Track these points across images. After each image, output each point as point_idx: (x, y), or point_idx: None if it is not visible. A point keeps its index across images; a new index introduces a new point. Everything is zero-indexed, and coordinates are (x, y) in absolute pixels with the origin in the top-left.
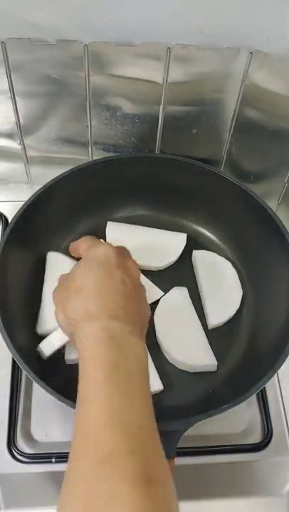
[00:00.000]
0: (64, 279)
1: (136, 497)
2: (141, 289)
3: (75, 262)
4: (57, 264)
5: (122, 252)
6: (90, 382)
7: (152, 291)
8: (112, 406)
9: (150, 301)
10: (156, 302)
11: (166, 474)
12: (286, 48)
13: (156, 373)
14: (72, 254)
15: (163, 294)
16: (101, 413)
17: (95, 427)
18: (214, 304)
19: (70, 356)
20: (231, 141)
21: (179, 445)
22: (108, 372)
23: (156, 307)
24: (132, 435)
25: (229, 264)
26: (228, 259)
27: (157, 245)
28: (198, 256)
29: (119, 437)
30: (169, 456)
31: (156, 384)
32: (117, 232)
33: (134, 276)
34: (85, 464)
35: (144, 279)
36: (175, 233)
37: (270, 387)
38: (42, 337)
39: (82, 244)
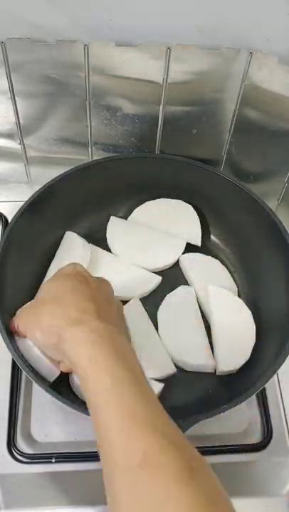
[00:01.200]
0: (28, 304)
1: (186, 495)
2: (114, 301)
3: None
4: (71, 245)
5: (94, 277)
6: (98, 390)
7: (150, 278)
8: (129, 408)
9: (149, 288)
10: (156, 291)
11: (198, 456)
12: (286, 48)
13: (168, 357)
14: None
15: (161, 278)
16: (120, 417)
17: (119, 433)
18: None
19: None
20: (231, 141)
21: None
22: (114, 374)
23: (160, 304)
24: (158, 431)
25: (218, 261)
26: (226, 259)
27: (156, 247)
28: (186, 258)
29: (146, 437)
30: None
31: (168, 367)
32: (118, 229)
33: (106, 289)
34: (122, 473)
35: (138, 270)
36: (175, 237)
37: (270, 387)
38: None
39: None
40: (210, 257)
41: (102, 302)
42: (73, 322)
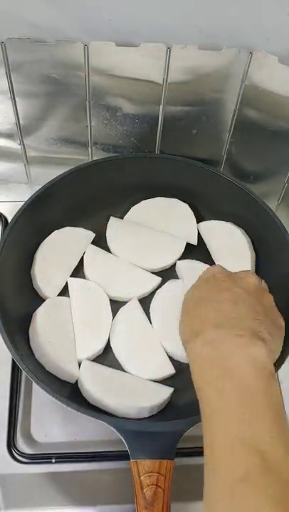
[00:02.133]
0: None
1: None
2: (261, 293)
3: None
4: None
5: (235, 272)
6: (214, 404)
7: (150, 279)
8: (242, 425)
9: (149, 288)
10: (154, 292)
11: None
12: (286, 48)
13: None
14: None
15: (160, 279)
16: (231, 433)
17: (227, 448)
18: None
19: (81, 356)
20: (231, 141)
21: (179, 445)
22: (217, 387)
23: (152, 300)
24: (266, 454)
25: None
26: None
27: (156, 247)
28: (183, 265)
29: (253, 457)
30: (169, 457)
31: (167, 368)
32: (118, 229)
33: (247, 281)
34: (222, 485)
35: (138, 270)
36: (175, 238)
37: None
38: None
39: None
40: (207, 265)
41: (229, 300)
42: (191, 336)
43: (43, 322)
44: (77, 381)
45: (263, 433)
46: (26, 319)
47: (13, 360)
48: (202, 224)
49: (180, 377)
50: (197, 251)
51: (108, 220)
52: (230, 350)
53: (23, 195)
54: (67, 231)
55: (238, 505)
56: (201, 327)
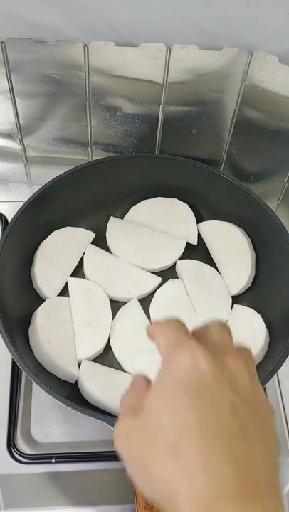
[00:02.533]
0: (131, 404)
1: None
2: (261, 402)
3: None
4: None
5: (217, 347)
6: None
7: (150, 279)
8: None
9: (150, 288)
10: (154, 292)
11: None
12: (286, 48)
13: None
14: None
15: (161, 279)
16: None
17: None
18: (205, 314)
19: (81, 356)
20: (231, 141)
21: None
22: None
23: (152, 300)
24: None
25: (214, 270)
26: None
27: (156, 247)
28: (183, 266)
29: None
30: None
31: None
32: (118, 229)
33: (244, 382)
34: None
35: (138, 271)
36: (175, 238)
37: (270, 387)
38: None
39: (160, 339)
40: (207, 264)
41: (245, 426)
42: (199, 504)
43: (43, 322)
44: (77, 381)
45: None
46: (26, 319)
47: (13, 360)
48: (202, 224)
49: None
50: (197, 251)
51: (108, 220)
52: None
53: (23, 195)
54: (67, 231)
55: None
56: (213, 495)
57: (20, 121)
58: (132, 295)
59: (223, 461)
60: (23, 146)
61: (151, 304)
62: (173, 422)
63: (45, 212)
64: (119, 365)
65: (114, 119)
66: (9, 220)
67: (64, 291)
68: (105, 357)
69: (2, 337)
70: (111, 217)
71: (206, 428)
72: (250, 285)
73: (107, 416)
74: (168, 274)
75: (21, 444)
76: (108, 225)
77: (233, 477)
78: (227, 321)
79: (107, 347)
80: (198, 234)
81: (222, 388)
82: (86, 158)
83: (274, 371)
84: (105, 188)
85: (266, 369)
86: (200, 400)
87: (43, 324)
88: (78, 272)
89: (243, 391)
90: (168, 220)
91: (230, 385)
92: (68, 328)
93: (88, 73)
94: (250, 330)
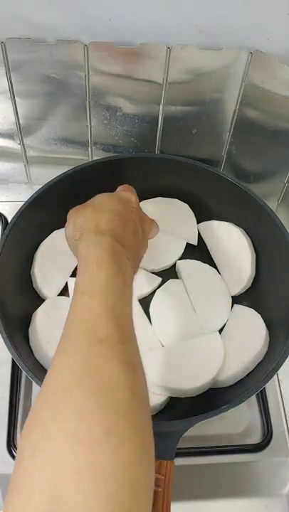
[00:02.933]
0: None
1: (126, 375)
2: (145, 238)
3: None
4: None
5: (144, 214)
6: (93, 281)
7: (150, 279)
8: (110, 302)
9: (150, 288)
10: (154, 292)
11: (143, 367)
12: (286, 48)
13: None
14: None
15: (161, 279)
16: (101, 306)
17: (95, 315)
18: (206, 314)
19: None
20: (231, 141)
21: (179, 446)
22: (109, 276)
23: (152, 300)
24: (124, 329)
25: (214, 270)
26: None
27: (156, 247)
28: (183, 266)
29: (114, 327)
30: (169, 457)
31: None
32: None
33: (145, 228)
34: (82, 341)
35: (139, 271)
36: (175, 238)
37: (270, 387)
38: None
39: (119, 188)
40: (207, 264)
41: (136, 233)
42: (98, 230)
43: (43, 322)
44: None
45: (126, 314)
46: (26, 319)
47: (13, 360)
48: (202, 224)
49: None
50: (197, 251)
51: None
52: (123, 262)
53: (23, 195)
54: None
55: (92, 359)
56: (106, 231)
57: (21, 121)
58: None
59: (117, 225)
60: (23, 146)
61: (151, 304)
62: (102, 201)
63: (45, 212)
64: None
65: (114, 119)
66: (9, 220)
67: (64, 291)
68: None
69: (2, 337)
70: None
71: (117, 212)
72: (250, 285)
73: None
74: (168, 274)
75: None
76: None
77: (120, 232)
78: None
79: None
80: (198, 234)
81: (134, 213)
82: (86, 158)
83: (274, 371)
84: (105, 188)
85: (266, 369)
86: (122, 205)
87: (43, 324)
88: None
89: (143, 226)
90: (168, 220)
91: (139, 218)
92: None
93: (88, 73)
94: (250, 330)
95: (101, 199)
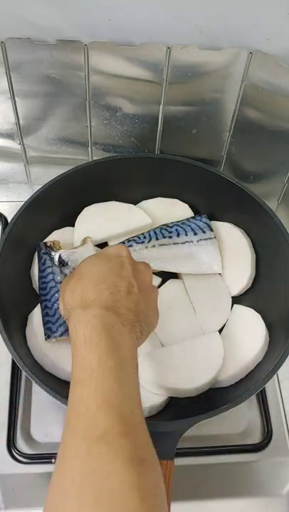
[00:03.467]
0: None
1: (131, 476)
2: (149, 293)
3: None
4: None
5: (137, 263)
6: (85, 367)
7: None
8: (106, 389)
9: (142, 224)
10: None
11: (155, 457)
12: (286, 48)
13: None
14: None
15: (161, 279)
16: (96, 396)
17: (89, 408)
18: (206, 314)
19: None
20: (231, 141)
21: (179, 445)
22: (101, 357)
23: None
24: (125, 418)
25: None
26: None
27: None
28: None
29: (113, 419)
30: (169, 457)
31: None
32: None
33: (143, 278)
34: (80, 442)
35: None
36: None
37: (270, 387)
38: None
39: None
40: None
41: (131, 290)
42: (84, 305)
43: (41, 322)
44: None
45: (127, 398)
46: (26, 319)
47: (13, 360)
48: None
49: None
50: None
51: None
52: (118, 333)
53: (23, 195)
54: (67, 231)
55: (91, 462)
56: (93, 302)
57: (21, 121)
58: None
59: (104, 289)
60: (23, 146)
61: None
62: (86, 267)
63: (45, 212)
64: None
65: (114, 119)
66: (9, 220)
67: None
68: None
69: (2, 337)
70: None
71: (103, 274)
72: (250, 285)
73: None
74: (168, 274)
75: (21, 444)
76: None
77: (107, 296)
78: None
79: None
80: None
81: (126, 268)
82: (86, 158)
83: (274, 371)
84: (105, 188)
85: (266, 369)
86: (109, 264)
87: (41, 325)
88: None
89: (140, 279)
90: (168, 220)
91: (133, 271)
92: None
93: (88, 73)
94: (250, 330)
95: (86, 263)
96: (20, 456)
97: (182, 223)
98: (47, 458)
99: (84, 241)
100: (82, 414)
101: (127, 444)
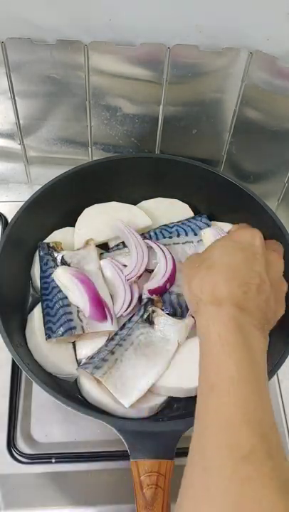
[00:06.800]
0: (197, 255)
1: (281, 501)
2: (279, 286)
3: None
4: None
5: (271, 245)
6: (221, 371)
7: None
8: (248, 403)
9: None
10: None
11: None
12: (286, 48)
13: None
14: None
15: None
16: (236, 408)
17: (231, 423)
18: None
19: (80, 355)
20: (231, 141)
21: (179, 445)
22: (239, 364)
23: None
24: (267, 436)
25: None
26: None
27: None
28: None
29: (256, 437)
30: (169, 457)
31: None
32: None
33: (275, 271)
34: (225, 461)
35: None
36: None
37: (270, 387)
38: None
39: (234, 227)
40: None
41: (262, 287)
42: (215, 300)
43: (40, 323)
44: (76, 381)
45: (267, 413)
46: (26, 319)
47: (13, 360)
48: None
49: None
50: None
51: None
52: (251, 335)
53: (23, 195)
54: (67, 231)
55: (241, 482)
56: (226, 299)
57: (21, 121)
58: None
59: (237, 285)
60: (23, 146)
61: None
62: (218, 255)
63: (45, 213)
64: None
65: (114, 119)
66: (9, 220)
67: None
68: None
69: (2, 337)
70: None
71: (237, 266)
72: None
73: (107, 416)
74: None
75: (21, 444)
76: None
77: (240, 295)
78: None
79: None
80: None
81: (259, 260)
82: (86, 158)
83: (274, 371)
84: (105, 188)
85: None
86: (242, 254)
87: (40, 325)
88: None
89: (272, 272)
90: (168, 220)
91: (263, 263)
92: None
93: (88, 73)
94: None
95: (218, 250)
96: (21, 456)
97: (182, 223)
98: (47, 458)
99: (87, 243)
100: (223, 429)
101: (274, 468)
